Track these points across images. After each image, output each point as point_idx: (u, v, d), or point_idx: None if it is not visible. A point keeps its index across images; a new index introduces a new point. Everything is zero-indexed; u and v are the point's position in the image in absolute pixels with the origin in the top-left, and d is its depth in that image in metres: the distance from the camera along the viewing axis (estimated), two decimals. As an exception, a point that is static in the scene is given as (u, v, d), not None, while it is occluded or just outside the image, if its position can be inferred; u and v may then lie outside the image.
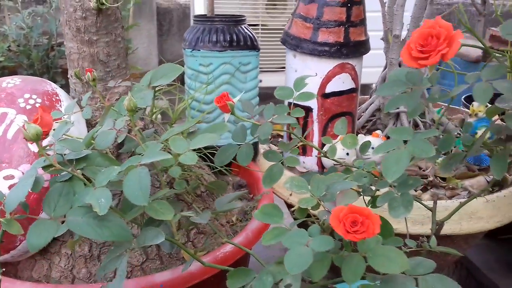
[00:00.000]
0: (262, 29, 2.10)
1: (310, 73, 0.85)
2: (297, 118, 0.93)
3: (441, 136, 0.59)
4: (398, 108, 0.99)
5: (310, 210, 0.53)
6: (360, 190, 0.61)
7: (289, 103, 0.94)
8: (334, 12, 0.81)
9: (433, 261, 0.47)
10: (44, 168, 0.45)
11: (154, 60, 2.35)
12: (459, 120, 1.09)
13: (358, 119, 1.04)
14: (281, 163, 0.60)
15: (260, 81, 1.00)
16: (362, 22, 0.84)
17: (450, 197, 0.86)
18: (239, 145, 0.61)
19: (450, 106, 1.32)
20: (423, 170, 0.92)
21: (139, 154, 0.48)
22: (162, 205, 0.46)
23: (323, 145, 0.71)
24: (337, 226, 0.41)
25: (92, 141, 0.50)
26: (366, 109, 1.05)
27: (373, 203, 0.60)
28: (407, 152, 0.50)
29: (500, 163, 0.51)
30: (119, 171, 0.44)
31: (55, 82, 1.76)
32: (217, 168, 0.90)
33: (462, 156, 0.57)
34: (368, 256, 0.44)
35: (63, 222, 0.43)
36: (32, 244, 0.40)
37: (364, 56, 0.90)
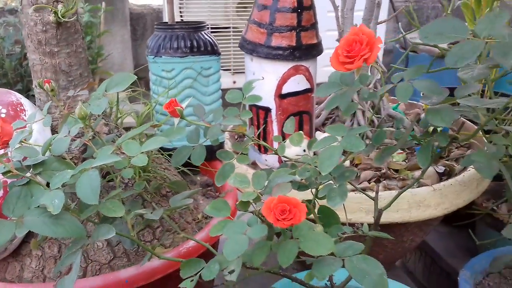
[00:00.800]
0: (233, 32, 2.15)
1: (266, 75, 0.90)
2: (257, 118, 0.99)
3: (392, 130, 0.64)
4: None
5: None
6: (307, 183, 0.66)
7: (250, 105, 0.99)
8: (286, 17, 0.87)
9: (361, 243, 0.52)
10: (3, 173, 0.49)
11: (129, 65, 2.38)
12: (415, 114, 1.15)
13: (318, 117, 1.09)
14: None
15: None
16: (313, 26, 0.89)
17: (401, 187, 0.91)
18: (193, 146, 0.66)
19: (409, 101, 1.38)
20: (378, 163, 0.97)
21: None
22: (113, 204, 0.50)
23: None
24: (268, 215, 0.46)
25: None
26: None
27: (317, 195, 0.65)
28: (340, 147, 0.55)
29: (425, 154, 0.57)
30: (72, 174, 0.48)
31: (28, 90, 1.78)
32: (186, 168, 0.95)
33: (394, 149, 0.63)
34: (300, 241, 0.49)
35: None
36: (-8, 242, 0.44)
37: (323, 56, 0.94)
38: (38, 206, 0.47)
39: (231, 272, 0.50)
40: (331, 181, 0.61)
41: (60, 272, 0.71)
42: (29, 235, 0.78)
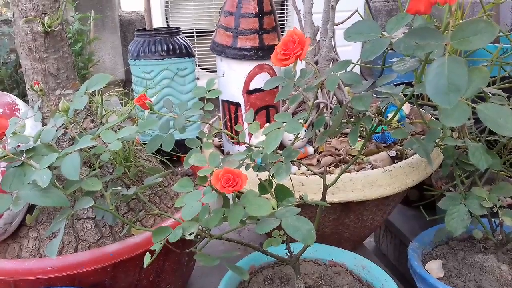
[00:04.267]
0: (218, 35, 2.25)
1: (234, 74, 1.01)
2: (229, 113, 1.10)
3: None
4: (318, 99, 1.15)
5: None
6: (263, 164, 0.77)
7: (222, 101, 1.10)
8: (249, 22, 0.98)
9: (299, 208, 0.62)
10: (1, 158, 0.60)
11: (120, 69, 2.50)
12: (376, 106, 1.26)
13: (287, 110, 1.20)
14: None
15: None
16: (274, 29, 1.01)
17: (358, 170, 1.02)
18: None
19: (376, 89, 1.49)
20: (338, 150, 1.08)
21: (77, 145, 0.63)
22: (93, 181, 0.61)
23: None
24: (216, 183, 0.57)
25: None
26: (294, 102, 1.21)
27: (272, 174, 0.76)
28: (282, 131, 0.66)
29: (354, 134, 0.68)
30: (57, 157, 0.59)
31: (24, 95, 1.89)
32: (165, 158, 1.06)
33: (329, 132, 0.74)
34: (246, 206, 0.59)
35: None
36: (-6, 211, 0.55)
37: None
38: (30, 183, 0.58)
39: (191, 234, 0.61)
40: (281, 161, 0.72)
41: (49, 238, 0.82)
42: (25, 219, 0.89)
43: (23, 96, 1.87)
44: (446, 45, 0.49)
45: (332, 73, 0.66)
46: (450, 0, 0.45)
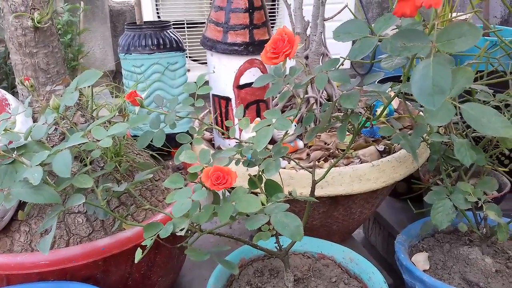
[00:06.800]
0: (209, 26, 2.25)
1: (224, 69, 1.02)
2: (220, 107, 1.10)
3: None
4: (307, 94, 1.16)
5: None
6: (254, 160, 0.78)
7: (213, 96, 1.10)
8: (239, 17, 0.98)
9: (288, 204, 0.64)
10: (-8, 155, 0.60)
11: (110, 60, 2.48)
12: (365, 102, 1.28)
13: (277, 105, 1.21)
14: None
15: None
16: (264, 24, 1.01)
17: (347, 165, 1.04)
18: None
19: (364, 88, 1.51)
20: (327, 144, 1.10)
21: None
22: (84, 178, 0.62)
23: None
24: (206, 181, 0.58)
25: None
26: (285, 96, 1.22)
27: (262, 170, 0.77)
28: (272, 128, 0.67)
29: (342, 132, 0.69)
30: (49, 154, 0.59)
31: (14, 87, 1.88)
32: (156, 153, 1.07)
33: (318, 128, 0.75)
34: (236, 202, 0.61)
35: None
36: (-14, 208, 0.56)
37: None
38: (22, 180, 0.59)
39: (182, 229, 0.62)
40: (270, 157, 0.73)
41: (41, 234, 0.83)
42: (17, 213, 0.89)
43: (12, 88, 1.85)
44: (431, 46, 0.50)
45: (321, 71, 0.67)
46: (435, 4, 0.46)
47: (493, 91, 0.94)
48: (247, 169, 0.76)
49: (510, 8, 1.00)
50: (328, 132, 1.15)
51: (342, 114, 0.84)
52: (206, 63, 2.44)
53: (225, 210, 0.60)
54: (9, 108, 0.84)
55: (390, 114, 1.23)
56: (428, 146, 0.93)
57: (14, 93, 0.92)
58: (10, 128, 0.66)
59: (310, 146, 1.11)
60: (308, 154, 1.06)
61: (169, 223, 0.65)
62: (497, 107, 0.92)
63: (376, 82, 0.94)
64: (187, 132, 0.81)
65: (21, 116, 0.83)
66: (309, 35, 1.14)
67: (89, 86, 0.76)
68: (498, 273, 0.86)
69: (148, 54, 1.04)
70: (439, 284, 0.80)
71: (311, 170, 0.83)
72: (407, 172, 1.03)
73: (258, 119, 1.07)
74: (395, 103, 1.30)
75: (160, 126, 0.77)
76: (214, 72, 1.01)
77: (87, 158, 0.67)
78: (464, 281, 0.85)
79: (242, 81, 1.03)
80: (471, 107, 0.54)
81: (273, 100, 1.22)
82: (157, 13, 2.08)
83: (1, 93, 0.86)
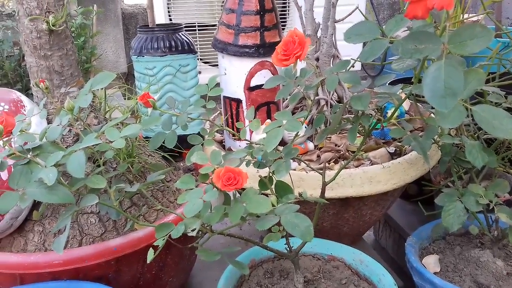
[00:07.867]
0: (220, 28, 2.26)
1: (235, 71, 1.03)
2: (230, 109, 1.11)
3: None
4: (318, 96, 1.16)
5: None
6: (264, 161, 0.79)
7: (224, 98, 1.11)
8: (250, 19, 0.99)
9: (298, 205, 0.64)
10: (8, 156, 0.61)
11: (123, 62, 2.51)
12: (375, 103, 1.27)
13: (287, 107, 1.21)
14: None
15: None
16: (275, 26, 1.02)
17: (357, 166, 1.04)
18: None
19: (374, 90, 1.50)
20: (338, 146, 1.10)
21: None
22: (97, 178, 0.63)
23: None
24: (217, 182, 0.58)
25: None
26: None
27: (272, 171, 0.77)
28: (282, 129, 0.68)
29: (352, 133, 0.69)
30: (63, 155, 0.61)
31: (28, 89, 1.90)
32: (167, 154, 1.08)
33: (328, 130, 0.75)
34: (247, 203, 0.61)
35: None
36: (1, 208, 0.57)
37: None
38: (37, 180, 0.60)
39: (193, 230, 0.63)
40: (281, 158, 0.74)
41: (54, 234, 0.84)
42: (31, 213, 0.91)
43: (26, 89, 1.88)
44: (443, 48, 0.50)
45: (332, 73, 0.67)
46: (447, 6, 0.46)
47: (505, 93, 0.93)
48: (258, 170, 0.77)
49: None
50: (339, 133, 1.15)
51: (352, 115, 0.85)
52: (217, 65, 2.46)
53: (235, 211, 0.60)
54: (24, 110, 0.86)
55: (401, 116, 1.22)
56: (439, 148, 0.93)
57: (29, 95, 0.94)
58: (25, 129, 0.67)
59: (321, 148, 1.11)
60: (318, 156, 1.06)
61: (180, 224, 0.65)
62: (509, 109, 0.91)
63: (387, 84, 0.94)
64: (199, 134, 0.82)
65: (36, 117, 0.84)
66: (319, 37, 1.15)
67: (102, 88, 0.77)
68: (509, 276, 0.85)
69: (160, 56, 1.05)
70: (450, 286, 0.80)
71: (321, 171, 0.83)
72: (418, 174, 1.03)
73: (268, 120, 1.07)
74: (406, 105, 1.29)
75: (172, 128, 0.78)
76: (225, 74, 1.01)
77: (101, 159, 0.68)
78: (475, 283, 0.85)
79: (253, 83, 1.04)
80: (482, 109, 0.54)
81: (283, 102, 1.23)
82: (169, 15, 2.10)
83: (16, 95, 0.88)
